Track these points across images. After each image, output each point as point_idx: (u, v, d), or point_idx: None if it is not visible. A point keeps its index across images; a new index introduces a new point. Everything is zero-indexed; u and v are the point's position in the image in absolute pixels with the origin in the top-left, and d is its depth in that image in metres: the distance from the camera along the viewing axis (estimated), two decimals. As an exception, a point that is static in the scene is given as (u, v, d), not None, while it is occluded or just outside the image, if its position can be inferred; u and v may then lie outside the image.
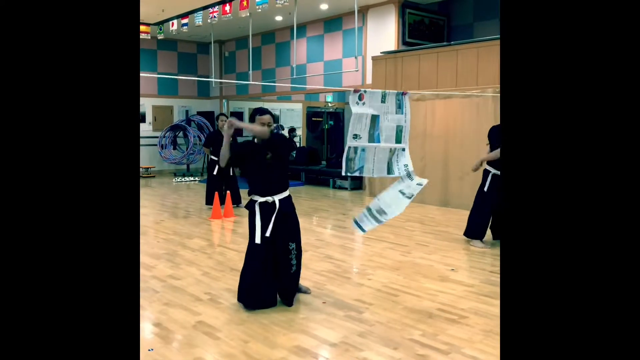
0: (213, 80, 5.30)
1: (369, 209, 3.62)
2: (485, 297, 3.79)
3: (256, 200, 3.52)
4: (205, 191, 8.00)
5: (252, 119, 3.56)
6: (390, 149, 3.59)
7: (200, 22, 10.01)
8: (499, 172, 5.23)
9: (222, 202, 7.31)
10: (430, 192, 7.54)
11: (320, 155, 12.42)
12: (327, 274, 4.38)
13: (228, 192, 7.46)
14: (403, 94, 3.60)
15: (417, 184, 3.61)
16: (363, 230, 3.67)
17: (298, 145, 12.79)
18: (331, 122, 13.51)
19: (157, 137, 12.98)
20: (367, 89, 3.53)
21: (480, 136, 5.61)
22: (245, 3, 8.49)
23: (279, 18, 10.94)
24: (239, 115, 13.87)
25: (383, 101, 3.52)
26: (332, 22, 10.71)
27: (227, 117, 7.65)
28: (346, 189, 10.11)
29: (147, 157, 12.97)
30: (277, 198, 3.52)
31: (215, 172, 7.52)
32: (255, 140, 3.61)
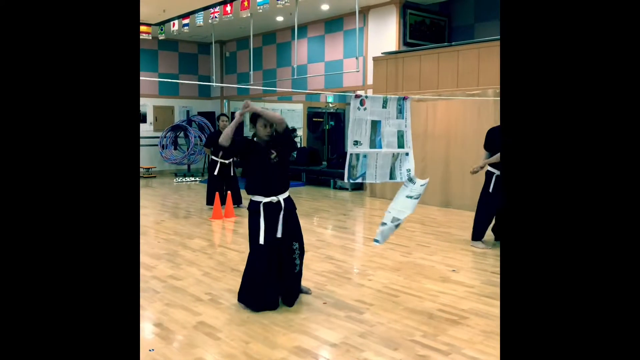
0: (213, 84, 5.29)
1: (383, 224, 3.60)
2: (486, 298, 3.78)
3: (260, 201, 3.51)
4: (206, 191, 8.00)
5: (254, 120, 3.55)
6: (393, 154, 3.58)
7: (202, 23, 10.01)
8: None
9: (223, 202, 7.31)
10: (431, 192, 7.53)
11: (320, 155, 12.42)
12: (328, 275, 4.38)
13: (229, 192, 7.46)
14: (404, 98, 3.60)
15: (421, 185, 3.62)
16: (378, 241, 3.63)
17: (299, 145, 12.80)
18: (332, 123, 13.51)
19: (158, 137, 12.98)
20: (368, 95, 3.52)
21: (481, 137, 5.61)
22: (246, 3, 8.49)
23: (279, 18, 10.94)
24: (239, 116, 13.85)
25: (384, 106, 3.51)
26: (333, 23, 10.71)
27: (228, 118, 7.65)
28: (347, 189, 10.11)
29: (147, 157, 12.97)
30: (281, 198, 3.52)
31: (216, 173, 7.53)
32: (255, 139, 3.60)
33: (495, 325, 3.24)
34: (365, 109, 3.43)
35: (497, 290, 3.90)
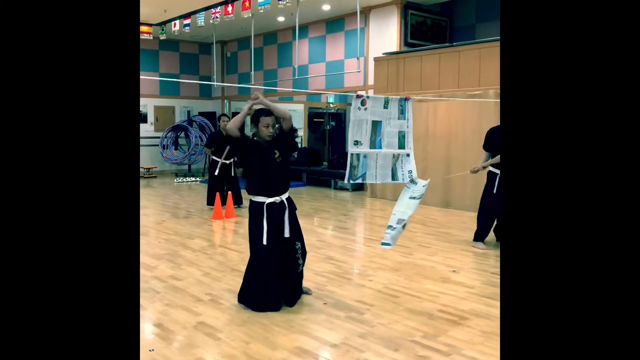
0: (214, 84, 5.28)
1: (390, 226, 3.60)
2: (487, 299, 3.78)
3: (263, 202, 3.49)
4: (206, 192, 8.00)
5: (255, 120, 3.54)
6: (394, 154, 3.57)
7: (203, 23, 10.02)
8: None
9: (224, 202, 7.31)
10: (432, 193, 7.53)
11: (321, 156, 12.41)
12: (328, 275, 4.38)
13: (229, 192, 7.46)
14: (406, 99, 3.59)
15: (423, 186, 3.62)
16: (388, 244, 3.62)
17: (299, 146, 12.79)
18: (333, 123, 13.50)
19: (158, 137, 12.99)
20: (369, 95, 3.51)
21: (482, 137, 5.61)
22: (247, 4, 8.50)
23: (281, 19, 10.95)
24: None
25: (386, 107, 3.50)
26: (334, 23, 10.71)
27: (229, 118, 7.65)
28: (347, 189, 10.11)
29: (148, 157, 12.98)
30: (283, 198, 3.53)
31: (216, 173, 7.53)
32: (256, 138, 3.60)
33: (495, 326, 3.23)
34: (366, 109, 3.42)
35: (498, 290, 3.89)
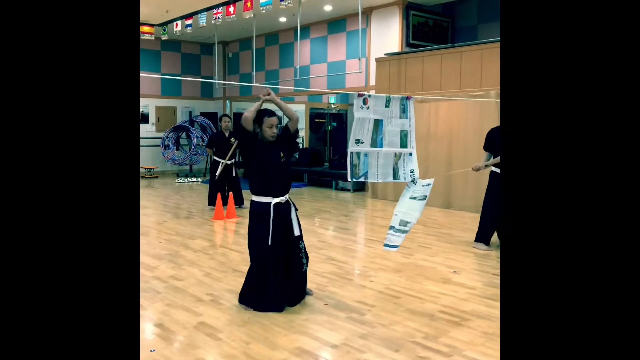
0: (216, 82, 5.28)
1: (392, 227, 3.60)
2: (488, 300, 3.77)
3: (269, 202, 3.48)
4: (207, 192, 8.00)
5: (259, 120, 3.55)
6: (396, 153, 3.57)
7: (204, 23, 10.03)
8: None
9: (225, 203, 7.31)
10: (433, 193, 7.44)
11: (322, 156, 12.42)
12: (329, 276, 4.37)
13: (231, 193, 7.47)
14: (407, 98, 3.58)
15: (424, 186, 3.61)
16: (395, 247, 3.62)
17: (301, 146, 12.79)
18: (334, 124, 13.50)
19: (160, 137, 13.00)
20: (371, 94, 3.51)
21: (483, 137, 5.60)
22: (249, 4, 8.50)
23: (282, 19, 10.95)
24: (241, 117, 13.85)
25: (387, 106, 3.50)
26: (336, 24, 10.71)
27: (230, 118, 7.66)
28: (349, 190, 10.11)
29: (149, 157, 12.99)
30: (288, 197, 3.54)
31: (217, 173, 7.53)
32: (259, 137, 3.60)
33: (496, 327, 3.23)
34: (368, 107, 3.41)
35: (499, 291, 3.88)
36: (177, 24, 10.73)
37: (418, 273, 4.48)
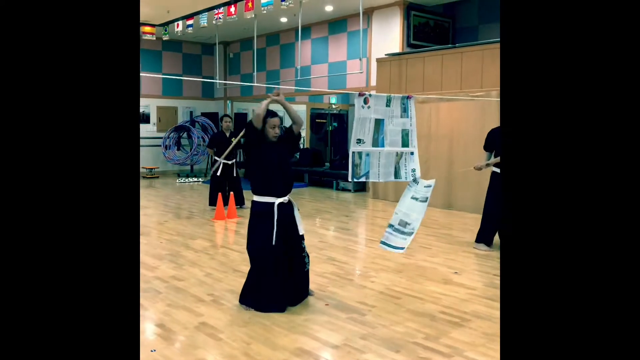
0: (217, 82, 5.29)
1: (391, 225, 3.59)
2: (489, 300, 3.77)
3: (272, 202, 3.49)
4: (208, 192, 8.00)
5: (263, 120, 3.55)
6: (397, 152, 3.57)
7: (205, 24, 10.03)
8: None
9: (226, 203, 7.31)
10: (433, 194, 7.42)
11: (323, 156, 12.42)
12: (330, 276, 4.37)
13: (231, 193, 7.47)
14: (408, 97, 3.59)
15: (426, 187, 3.60)
16: (399, 248, 3.58)
17: (302, 146, 12.79)
18: (335, 124, 13.50)
19: (161, 137, 13.00)
20: (372, 93, 3.51)
21: (484, 138, 5.60)
22: (250, 4, 8.50)
23: (283, 19, 10.95)
24: (243, 117, 13.88)
25: (388, 105, 3.50)
26: (337, 24, 10.71)
27: (231, 118, 7.65)
28: (349, 190, 10.11)
29: (150, 157, 12.99)
30: (289, 197, 3.56)
31: (218, 173, 7.53)
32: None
33: (497, 328, 3.23)
34: (369, 107, 3.42)
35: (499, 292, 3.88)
36: (178, 24, 10.73)
37: (419, 274, 4.48)
